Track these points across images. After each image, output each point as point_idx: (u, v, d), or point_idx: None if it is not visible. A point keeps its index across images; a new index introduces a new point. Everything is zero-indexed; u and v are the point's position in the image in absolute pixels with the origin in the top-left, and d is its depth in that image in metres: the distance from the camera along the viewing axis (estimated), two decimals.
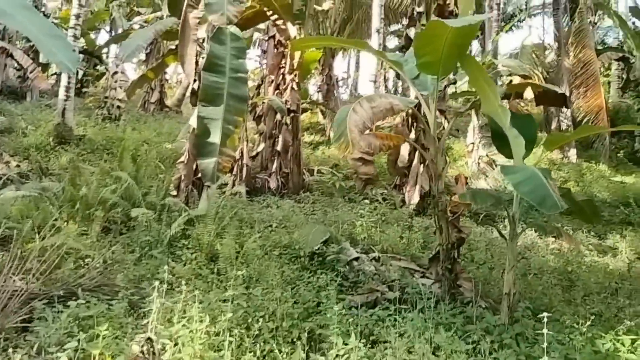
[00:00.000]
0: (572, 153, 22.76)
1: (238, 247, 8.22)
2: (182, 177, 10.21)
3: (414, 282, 7.63)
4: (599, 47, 27.63)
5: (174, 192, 10.22)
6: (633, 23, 25.83)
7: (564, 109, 24.79)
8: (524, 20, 34.20)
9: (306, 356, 5.66)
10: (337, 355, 5.37)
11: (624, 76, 28.78)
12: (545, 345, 6.24)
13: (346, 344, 5.52)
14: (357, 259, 8.48)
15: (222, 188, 13.46)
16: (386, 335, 6.11)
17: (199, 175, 9.94)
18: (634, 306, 8.93)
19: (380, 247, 9.16)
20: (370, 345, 6.09)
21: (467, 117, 20.98)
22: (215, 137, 9.41)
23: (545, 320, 5.21)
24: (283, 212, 11.22)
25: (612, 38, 36.54)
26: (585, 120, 21.45)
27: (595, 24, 32.89)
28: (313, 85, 31.60)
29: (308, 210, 12.21)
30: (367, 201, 12.97)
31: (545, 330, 5.17)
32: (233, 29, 9.89)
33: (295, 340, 5.87)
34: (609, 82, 31.47)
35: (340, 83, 38.14)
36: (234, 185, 13.29)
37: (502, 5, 30.64)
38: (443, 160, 7.80)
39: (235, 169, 13.47)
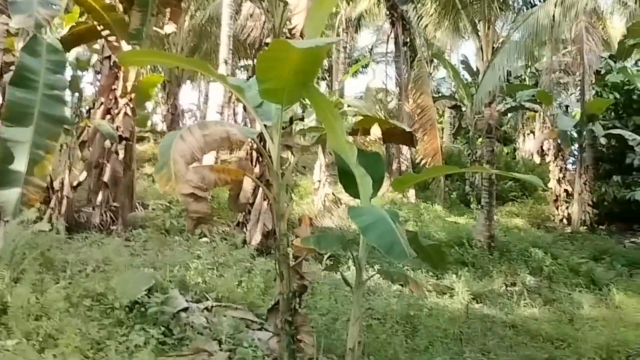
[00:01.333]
0: (412, 193, 23.34)
1: (36, 297, 6.66)
2: None
3: (248, 338, 6.60)
4: (435, 95, 29.15)
5: None
6: (463, 75, 27.59)
7: (403, 151, 25.63)
8: (368, 65, 35.35)
9: None
10: None
11: (456, 123, 30.63)
12: None
13: None
14: (186, 309, 7.28)
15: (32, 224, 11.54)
16: None
17: None
18: (474, 352, 8.66)
19: (215, 294, 8.03)
20: None
21: (314, 154, 20.70)
22: (20, 164, 7.74)
23: None
24: (105, 252, 9.66)
25: (445, 88, 39.14)
26: (423, 162, 22.11)
27: (431, 73, 34.96)
28: (158, 115, 29.92)
29: (137, 250, 10.71)
30: (205, 240, 11.78)
31: None
32: (51, 39, 8.40)
33: None
34: (442, 128, 33.40)
35: (189, 115, 36.68)
36: (50, 219, 11.41)
37: (348, 50, 31.44)
38: (287, 198, 6.95)
39: (53, 201, 11.61)
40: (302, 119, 16.14)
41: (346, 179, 6.49)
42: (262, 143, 8.04)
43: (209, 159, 18.78)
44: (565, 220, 22.10)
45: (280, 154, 6.98)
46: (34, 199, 7.89)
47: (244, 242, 12.73)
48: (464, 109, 27.07)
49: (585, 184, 21.67)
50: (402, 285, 6.29)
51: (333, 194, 19.90)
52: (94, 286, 7.35)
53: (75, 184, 11.86)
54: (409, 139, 7.50)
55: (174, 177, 5.26)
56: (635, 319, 13.44)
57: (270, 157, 6.85)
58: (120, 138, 12.26)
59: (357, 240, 6.48)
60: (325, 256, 11.95)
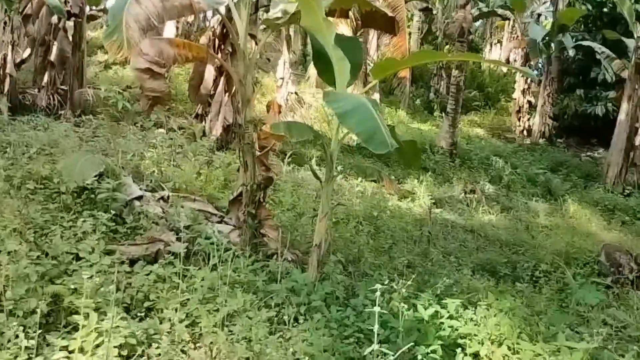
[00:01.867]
0: (376, 97, 22.70)
1: None
2: None
3: (208, 230, 6.13)
4: None
5: None
6: None
7: (370, 54, 24.71)
8: None
9: (42, 339, 3.93)
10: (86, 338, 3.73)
11: (424, 28, 29.58)
12: (358, 309, 5.26)
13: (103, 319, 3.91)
14: (140, 198, 6.70)
15: None
16: (165, 302, 4.58)
17: None
18: (437, 254, 8.49)
19: (172, 184, 7.45)
20: (142, 316, 4.52)
21: (278, 52, 19.65)
22: None
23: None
24: (52, 136, 8.86)
25: None
26: None
27: None
28: None
29: (88, 136, 9.90)
30: (162, 130, 11.04)
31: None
32: None
33: (28, 314, 4.07)
34: (409, 33, 32.33)
35: None
36: None
37: None
38: (253, 82, 6.29)
39: None
40: (267, 10, 15.03)
41: (321, 62, 5.85)
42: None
43: (169, 31, 17.55)
44: (525, 132, 22.04)
45: (247, 32, 6.24)
46: None
47: (203, 134, 12.05)
48: (435, 12, 26.03)
49: (548, 96, 21.45)
50: (374, 181, 5.84)
51: (296, 93, 19.13)
52: (38, 169, 6.66)
53: (18, 61, 10.76)
54: (391, 26, 6.81)
55: (126, 43, 4.53)
56: (587, 228, 13.67)
57: (237, 34, 6.10)
58: (69, 14, 11.07)
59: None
60: (288, 154, 11.45)
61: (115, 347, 3.78)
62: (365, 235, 8.09)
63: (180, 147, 9.64)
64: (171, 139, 10.40)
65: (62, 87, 11.71)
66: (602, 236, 12.68)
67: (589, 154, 21.18)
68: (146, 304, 4.73)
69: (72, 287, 4.43)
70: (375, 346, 3.36)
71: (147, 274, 4.92)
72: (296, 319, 5.02)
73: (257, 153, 6.24)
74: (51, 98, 11.21)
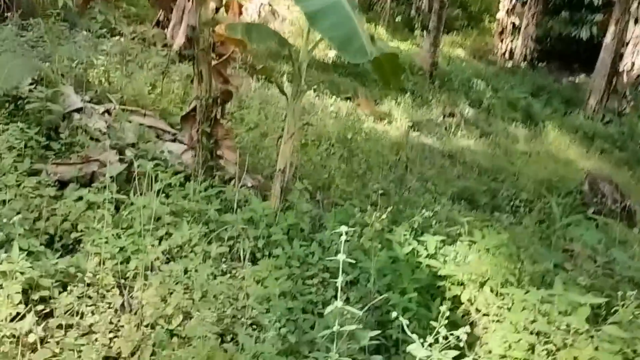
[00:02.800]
0: None
1: None
2: None
3: (157, 149, 5.29)
4: None
5: None
6: None
7: None
8: None
9: None
10: None
11: None
12: (325, 244, 4.57)
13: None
14: (80, 110, 5.78)
15: None
16: (96, 234, 3.81)
17: None
18: (414, 182, 7.81)
19: (120, 96, 6.50)
20: (67, 251, 3.77)
21: None
22: None
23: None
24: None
25: None
26: None
27: None
28: None
29: (32, 40, 8.74)
30: (117, 38, 9.87)
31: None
32: None
33: None
34: None
35: None
36: None
37: None
38: None
39: None
40: None
41: None
42: None
43: None
44: (507, 55, 21.12)
45: None
46: None
47: (164, 45, 10.90)
48: None
49: (533, 17, 20.42)
50: (349, 99, 5.03)
51: (270, 4, 17.79)
52: None
53: None
54: None
55: None
56: (567, 155, 13.17)
57: None
58: None
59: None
60: (258, 69, 10.43)
61: (18, 291, 3.03)
62: (337, 160, 7.35)
63: (135, 56, 8.57)
64: (126, 46, 9.32)
65: None
66: (581, 164, 12.19)
67: (570, 79, 20.44)
68: (73, 235, 3.96)
69: None
70: (338, 303, 2.66)
71: (77, 200, 4.11)
72: (253, 255, 4.33)
73: (215, 61, 5.32)
74: None
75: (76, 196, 4.16)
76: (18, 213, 3.77)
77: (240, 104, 8.22)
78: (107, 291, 3.37)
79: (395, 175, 7.89)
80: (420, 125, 12.40)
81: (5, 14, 10.38)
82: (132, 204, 4.26)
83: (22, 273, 3.05)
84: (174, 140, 5.98)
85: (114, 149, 5.28)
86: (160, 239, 4.03)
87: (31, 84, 5.67)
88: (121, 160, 5.11)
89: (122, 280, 3.62)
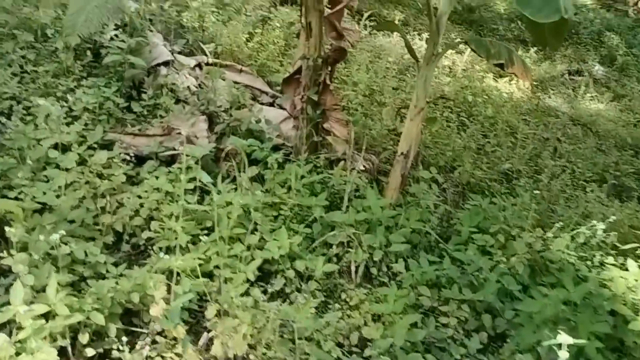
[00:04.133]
0: None
1: None
2: None
3: (252, 117, 4.28)
4: None
5: None
6: None
7: None
8: None
9: None
10: None
11: None
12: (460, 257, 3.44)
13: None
14: (168, 63, 4.86)
15: None
16: (169, 236, 2.90)
17: None
18: (546, 157, 6.41)
19: (214, 47, 5.51)
20: (132, 256, 2.90)
21: None
22: None
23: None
24: None
25: None
26: None
27: None
28: None
29: None
30: None
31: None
32: None
33: None
34: None
35: None
36: None
37: None
38: None
39: None
40: None
41: None
42: None
43: None
44: None
45: None
46: None
47: None
48: None
49: None
50: (501, 66, 3.73)
51: None
52: (37, 15, 4.85)
53: None
54: None
55: None
56: None
57: None
58: None
59: None
60: (366, 14, 9.10)
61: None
62: (458, 130, 6.06)
63: None
64: None
65: None
66: None
67: None
68: (145, 235, 3.07)
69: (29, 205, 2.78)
70: None
71: (152, 188, 3.19)
72: (367, 270, 3.30)
73: (328, 11, 4.18)
74: None
75: (152, 182, 3.22)
76: (77, 206, 2.92)
77: (350, 59, 7.03)
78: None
79: (525, 150, 6.51)
80: (544, 84, 10.70)
81: None
82: (219, 192, 3.30)
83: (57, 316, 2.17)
84: (272, 104, 4.96)
85: (204, 115, 4.33)
86: (250, 247, 3.05)
87: (116, 28, 4.79)
88: (211, 130, 4.17)
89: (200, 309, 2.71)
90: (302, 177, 3.78)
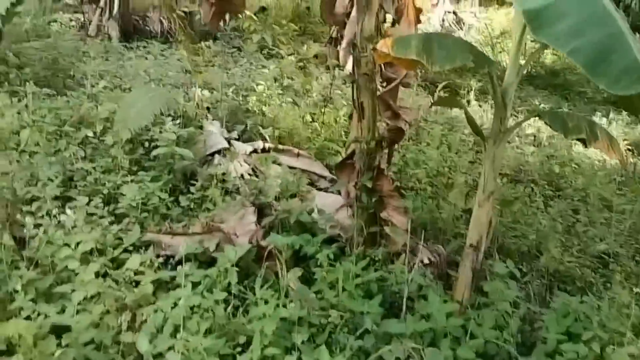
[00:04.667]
0: None
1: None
2: None
3: (303, 208, 3.89)
4: None
5: None
6: None
7: None
8: None
9: None
10: None
11: None
12: None
13: None
14: (222, 151, 4.65)
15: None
16: None
17: None
18: None
19: (272, 131, 5.27)
20: None
21: None
22: None
23: None
24: (148, 64, 7.10)
25: None
26: None
27: None
28: None
29: (199, 65, 8.03)
30: (292, 58, 8.83)
31: None
32: None
33: None
34: None
35: None
36: (100, 22, 8.92)
37: None
38: None
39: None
40: None
41: None
42: None
43: None
44: None
45: None
46: None
47: (337, 65, 9.68)
48: None
49: None
50: (583, 141, 3.15)
51: (455, 12, 15.94)
52: (94, 111, 4.83)
53: None
54: None
55: None
56: None
57: None
58: None
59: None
60: (440, 85, 8.71)
61: None
62: (544, 207, 5.37)
63: (293, 80, 7.36)
64: (303, 67, 8.20)
65: (183, 9, 9.93)
66: None
67: None
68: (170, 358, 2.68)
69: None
70: None
71: (175, 302, 2.82)
72: None
73: (381, 88, 3.83)
74: (165, 22, 9.49)
75: (179, 293, 2.85)
76: (97, 324, 2.60)
77: (417, 132, 6.61)
78: None
79: (623, 226, 5.67)
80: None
81: (176, 37, 9.93)
82: (256, 303, 2.89)
83: None
84: (329, 189, 4.58)
85: (253, 206, 4.01)
86: None
87: (173, 119, 4.67)
88: (260, 223, 3.82)
89: None
90: (357, 275, 3.31)
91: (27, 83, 5.31)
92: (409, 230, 3.61)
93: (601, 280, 4.25)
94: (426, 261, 3.64)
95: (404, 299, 3.12)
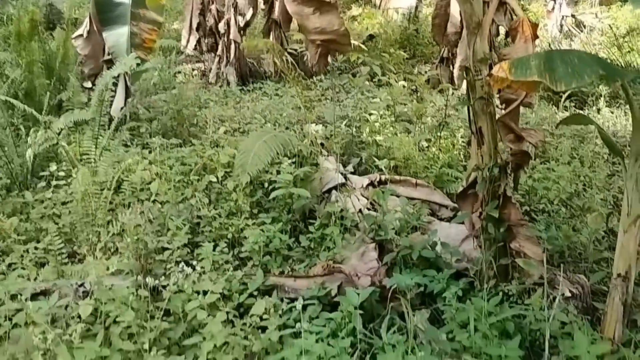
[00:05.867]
0: None
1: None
2: (84, 60, 6.32)
3: (426, 241, 3.72)
4: None
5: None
6: None
7: None
8: None
9: None
10: None
11: None
12: None
13: None
14: (337, 187, 4.62)
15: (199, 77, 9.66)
16: None
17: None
18: None
19: (387, 162, 5.15)
20: None
21: None
22: None
23: None
24: (264, 104, 7.32)
25: None
26: None
27: None
28: None
29: (312, 99, 8.15)
30: (402, 83, 8.70)
31: None
32: None
33: None
34: None
35: None
36: (219, 69, 9.40)
37: None
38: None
39: (220, 46, 9.49)
40: None
41: None
42: None
43: None
44: None
45: None
46: (151, 40, 5.68)
47: (452, 83, 9.42)
48: None
49: None
50: None
51: (573, 15, 14.98)
52: (216, 156, 5.03)
53: (242, 24, 9.49)
54: None
55: None
56: None
57: None
58: None
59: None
60: (565, 95, 8.12)
61: None
62: None
63: (419, 99, 7.20)
64: (413, 92, 8.06)
65: (293, 48, 10.24)
66: None
67: None
68: None
69: None
70: None
71: (301, 350, 2.76)
72: None
73: (499, 112, 3.59)
74: (281, 61, 9.78)
75: (301, 343, 2.80)
76: None
77: (544, 149, 6.16)
78: None
79: None
80: None
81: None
82: (383, 348, 2.76)
83: None
84: (451, 219, 4.36)
85: (374, 242, 3.91)
86: None
87: (288, 157, 4.73)
88: (381, 260, 3.71)
89: None
90: (490, 313, 3.07)
91: (156, 135, 5.72)
92: (545, 260, 3.31)
93: None
94: (567, 294, 3.30)
95: (546, 341, 2.83)
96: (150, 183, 4.70)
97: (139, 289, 3.19)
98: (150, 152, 5.35)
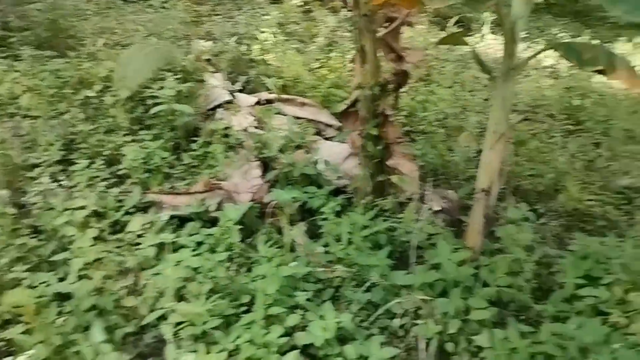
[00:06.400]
0: None
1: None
2: None
3: (308, 160, 3.77)
4: None
5: None
6: None
7: None
8: None
9: None
10: None
11: None
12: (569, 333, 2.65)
13: None
14: (224, 104, 4.50)
15: None
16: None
17: None
18: None
19: (276, 80, 5.07)
20: None
21: None
22: None
23: None
24: (148, 18, 6.89)
25: None
26: None
27: None
28: None
29: (202, 14, 7.76)
30: (296, 2, 8.44)
31: None
32: None
33: None
34: None
35: None
36: None
37: None
38: None
39: None
40: None
41: None
42: None
43: None
44: None
45: None
46: None
47: (344, 7, 9.29)
48: None
49: None
50: (600, 72, 2.91)
51: None
52: (96, 68, 4.69)
53: None
54: None
55: None
56: None
57: None
58: None
59: None
60: (452, 20, 8.30)
61: None
62: (563, 144, 5.14)
63: (298, 25, 7.08)
64: (308, 11, 7.87)
65: None
66: None
67: None
68: (171, 320, 2.62)
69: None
70: None
71: (177, 264, 2.75)
72: (440, 349, 2.62)
73: (383, 29, 3.60)
74: None
75: (176, 256, 2.78)
76: (101, 289, 2.55)
77: (428, 71, 6.33)
78: None
79: None
80: None
81: None
82: (259, 261, 2.81)
83: None
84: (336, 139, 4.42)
85: (258, 160, 3.89)
86: (287, 333, 2.49)
87: (174, 74, 4.51)
88: (264, 177, 3.71)
89: None
90: (365, 227, 3.20)
91: (29, 47, 5.23)
92: (418, 177, 3.47)
93: (624, 218, 4.08)
94: (437, 208, 3.50)
95: (412, 250, 3.01)
96: (19, 97, 4.33)
97: (6, 206, 3.00)
98: (20, 63, 4.91)
